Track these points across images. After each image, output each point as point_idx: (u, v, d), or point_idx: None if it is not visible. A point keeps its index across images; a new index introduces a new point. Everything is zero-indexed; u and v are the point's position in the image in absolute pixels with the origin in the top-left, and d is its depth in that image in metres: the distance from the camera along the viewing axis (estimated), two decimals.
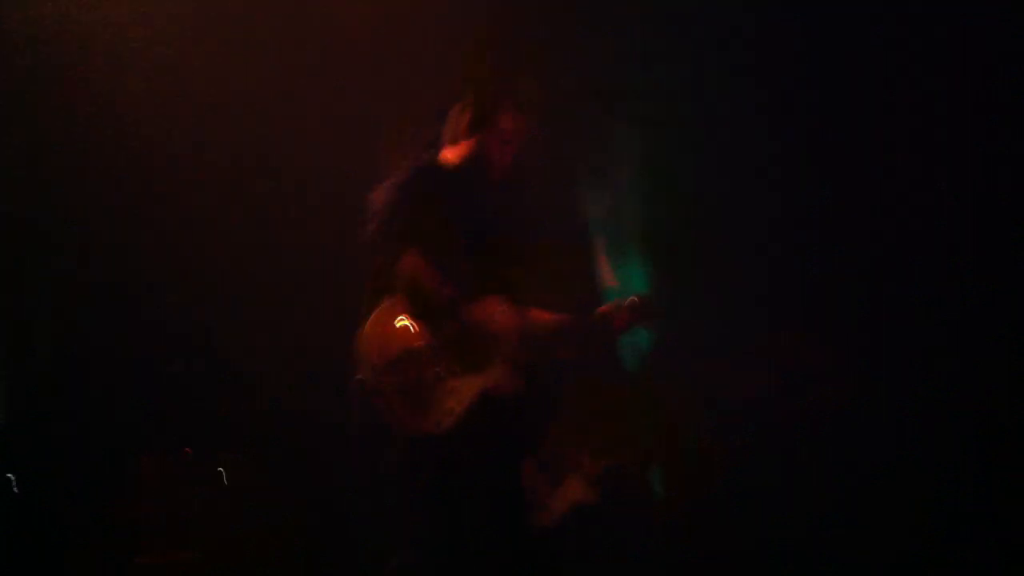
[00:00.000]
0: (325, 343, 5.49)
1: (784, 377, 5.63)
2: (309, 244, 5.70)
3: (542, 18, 5.34)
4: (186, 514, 5.25)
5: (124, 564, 5.11)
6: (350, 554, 5.27)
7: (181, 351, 5.65)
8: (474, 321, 3.99)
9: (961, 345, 5.27)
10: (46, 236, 5.65)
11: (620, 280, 5.67)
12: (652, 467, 5.86)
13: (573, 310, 4.23)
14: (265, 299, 5.69)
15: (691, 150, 5.53)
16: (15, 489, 5.22)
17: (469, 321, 3.98)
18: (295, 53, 5.67)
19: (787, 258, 5.54)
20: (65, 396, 5.50)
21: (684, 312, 5.56)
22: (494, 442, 4.02)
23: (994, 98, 5.24)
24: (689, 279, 5.24)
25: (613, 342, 4.49)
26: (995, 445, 5.15)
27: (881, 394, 5.36)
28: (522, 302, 4.14)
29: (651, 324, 4.27)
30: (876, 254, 5.47)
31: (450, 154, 4.16)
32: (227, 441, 5.51)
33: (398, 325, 3.90)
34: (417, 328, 3.91)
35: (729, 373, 5.65)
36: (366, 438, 3.98)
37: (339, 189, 5.49)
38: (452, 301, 3.96)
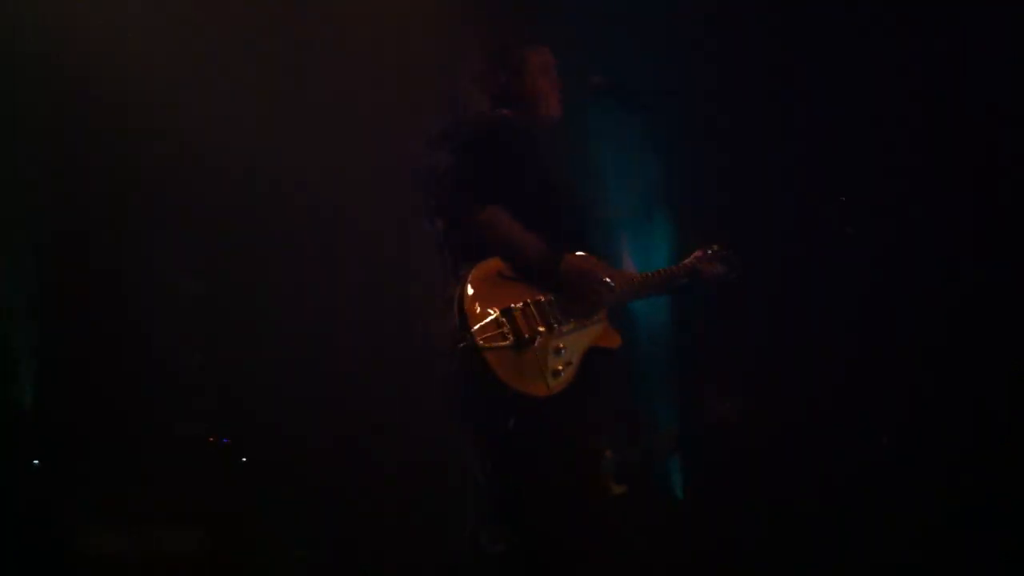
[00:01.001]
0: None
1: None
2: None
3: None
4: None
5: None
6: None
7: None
8: (569, 276, 3.80)
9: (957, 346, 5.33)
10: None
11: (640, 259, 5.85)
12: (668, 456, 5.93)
13: None
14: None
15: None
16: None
17: (562, 277, 3.79)
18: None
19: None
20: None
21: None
22: (597, 400, 3.89)
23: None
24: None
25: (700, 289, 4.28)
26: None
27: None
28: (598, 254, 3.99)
29: (735, 275, 4.19)
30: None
31: (499, 99, 4.04)
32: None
33: (492, 288, 3.72)
34: (516, 287, 3.75)
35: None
36: (470, 404, 3.76)
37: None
38: (544, 256, 3.78)
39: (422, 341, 4.19)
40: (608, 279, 3.81)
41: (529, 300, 3.71)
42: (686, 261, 4.20)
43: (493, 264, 3.75)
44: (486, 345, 3.60)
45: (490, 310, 3.65)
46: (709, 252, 4.22)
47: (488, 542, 3.80)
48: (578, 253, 3.85)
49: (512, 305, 3.68)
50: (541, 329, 3.68)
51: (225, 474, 5.43)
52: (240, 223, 5.71)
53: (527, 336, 3.65)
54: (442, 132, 3.96)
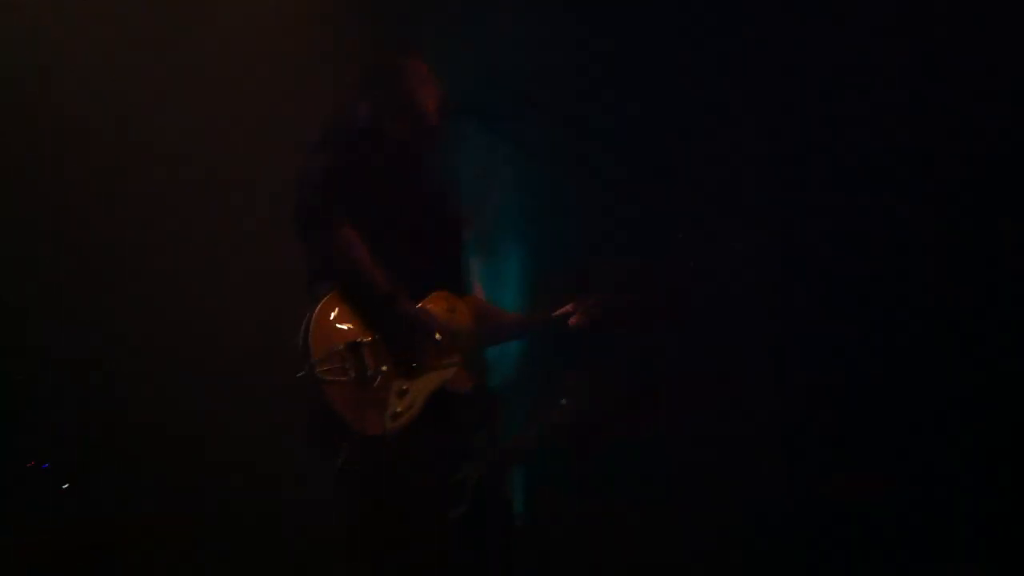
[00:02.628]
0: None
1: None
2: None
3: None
4: None
5: None
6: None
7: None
8: (425, 316, 3.79)
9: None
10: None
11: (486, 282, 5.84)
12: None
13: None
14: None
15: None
16: None
17: (417, 315, 3.77)
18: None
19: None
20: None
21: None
22: (443, 442, 3.87)
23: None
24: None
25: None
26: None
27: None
28: (464, 294, 3.99)
29: (616, 328, 4.18)
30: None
31: (378, 111, 3.95)
32: None
33: (343, 317, 3.67)
34: (362, 321, 3.69)
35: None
36: (317, 434, 3.74)
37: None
38: (395, 292, 3.73)
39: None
40: (439, 335, 3.75)
41: (378, 336, 3.66)
42: (560, 311, 4.15)
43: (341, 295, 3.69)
44: (326, 377, 3.54)
45: (336, 341, 3.59)
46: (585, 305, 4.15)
47: None
48: (440, 293, 3.83)
49: (360, 339, 3.62)
50: (385, 368, 3.64)
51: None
52: (97, 223, 5.54)
53: (371, 373, 3.61)
54: (320, 137, 3.89)
